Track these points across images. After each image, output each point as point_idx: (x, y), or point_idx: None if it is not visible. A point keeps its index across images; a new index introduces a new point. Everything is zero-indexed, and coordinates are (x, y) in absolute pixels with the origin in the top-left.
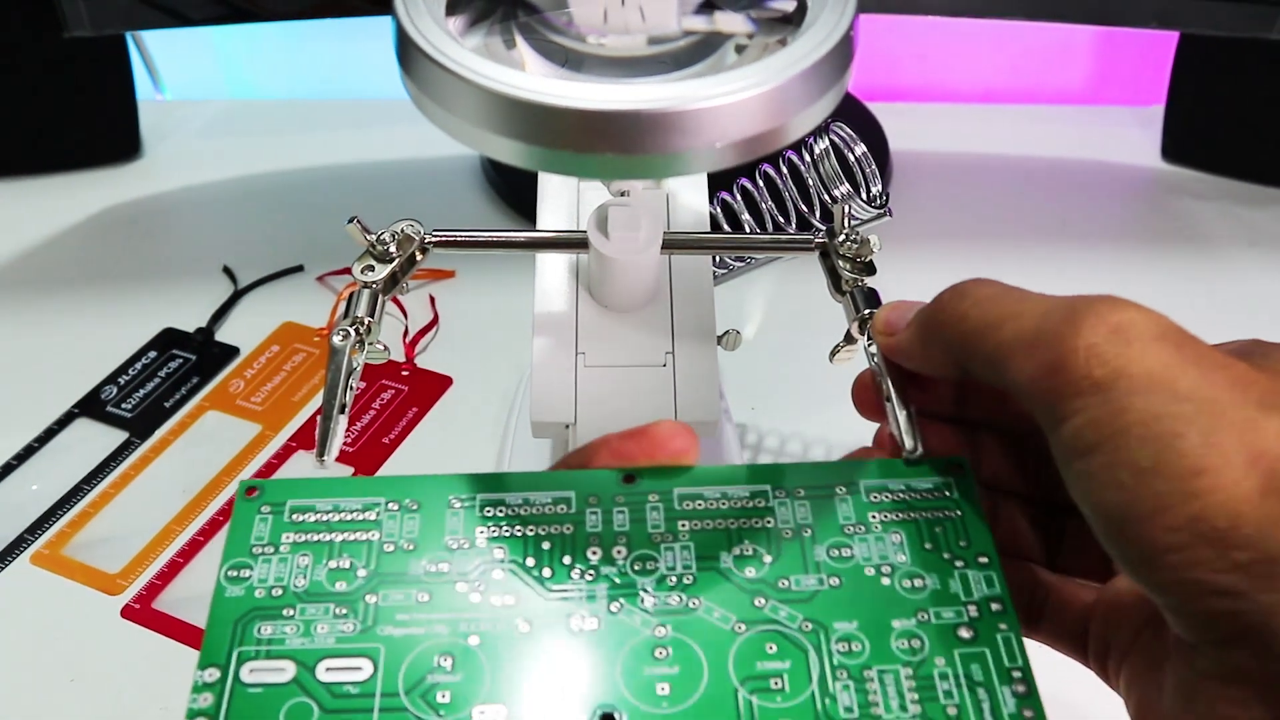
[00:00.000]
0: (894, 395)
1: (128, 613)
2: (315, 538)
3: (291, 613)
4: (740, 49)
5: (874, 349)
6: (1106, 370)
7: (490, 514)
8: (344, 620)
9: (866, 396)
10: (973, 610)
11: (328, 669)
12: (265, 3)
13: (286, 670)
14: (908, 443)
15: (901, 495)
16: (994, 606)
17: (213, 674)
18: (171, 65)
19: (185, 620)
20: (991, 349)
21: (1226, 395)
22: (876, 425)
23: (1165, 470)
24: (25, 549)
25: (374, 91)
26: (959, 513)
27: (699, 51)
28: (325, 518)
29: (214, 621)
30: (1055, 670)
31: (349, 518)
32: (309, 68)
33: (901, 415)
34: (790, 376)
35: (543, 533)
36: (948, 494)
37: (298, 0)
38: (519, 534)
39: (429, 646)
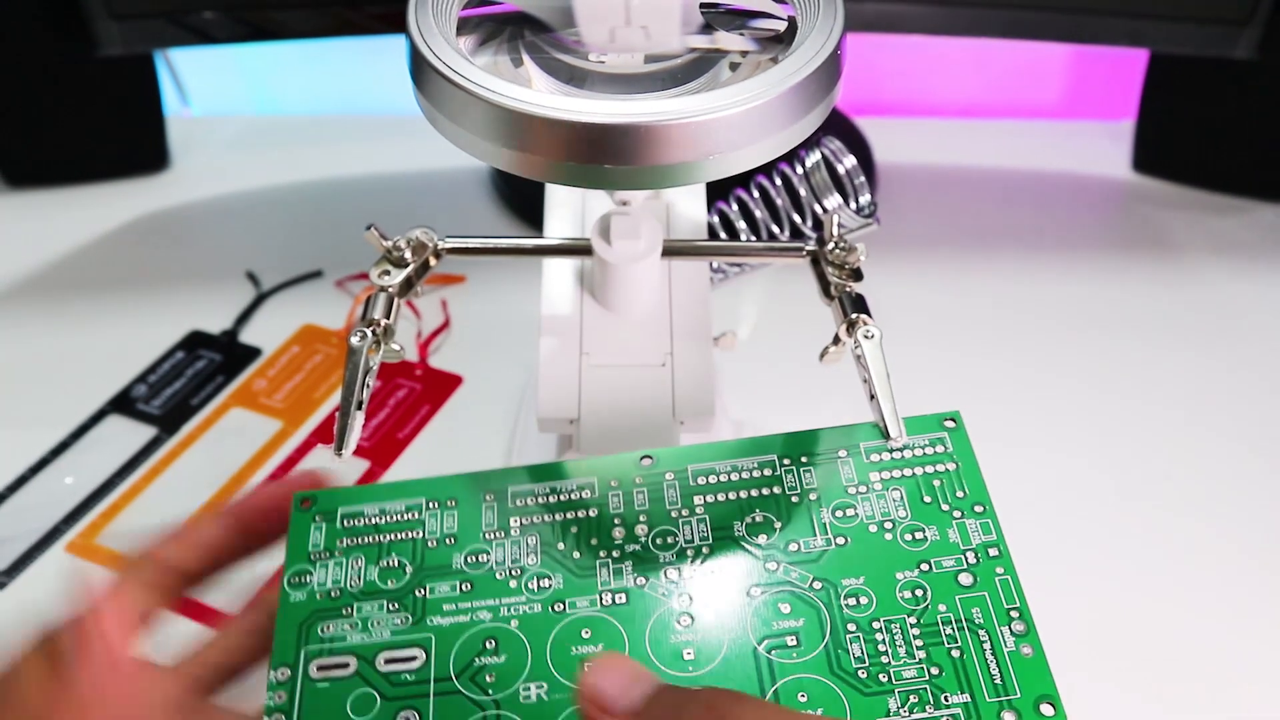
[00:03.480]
0: (877, 392)
1: None
2: (366, 540)
3: (349, 611)
4: (734, 66)
5: (859, 350)
6: None
7: (520, 505)
8: (397, 614)
9: None
10: (971, 557)
11: (386, 660)
12: (287, 23)
13: (350, 665)
14: (892, 431)
15: (899, 453)
16: (991, 552)
17: (284, 673)
18: (198, 82)
19: (210, 606)
20: None
21: None
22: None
23: None
24: (60, 538)
25: (389, 107)
26: (953, 465)
27: (695, 69)
28: (373, 520)
29: (282, 625)
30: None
31: (394, 519)
32: (328, 85)
33: (886, 409)
34: (782, 375)
35: (570, 518)
36: (942, 448)
37: (317, 21)
38: (548, 520)
39: (475, 633)
